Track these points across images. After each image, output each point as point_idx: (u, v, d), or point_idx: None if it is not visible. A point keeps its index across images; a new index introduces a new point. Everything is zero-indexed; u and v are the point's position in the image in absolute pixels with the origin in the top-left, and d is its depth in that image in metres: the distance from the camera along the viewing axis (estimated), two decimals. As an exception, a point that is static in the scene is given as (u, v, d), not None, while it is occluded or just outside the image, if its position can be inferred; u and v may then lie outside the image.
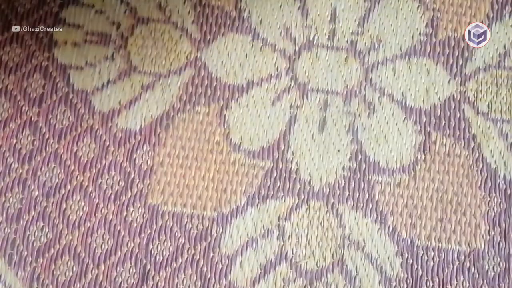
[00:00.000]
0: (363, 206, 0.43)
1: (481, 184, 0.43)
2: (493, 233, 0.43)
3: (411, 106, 0.45)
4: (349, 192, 0.43)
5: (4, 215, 0.41)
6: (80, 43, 0.45)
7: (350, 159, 0.43)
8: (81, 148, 0.43)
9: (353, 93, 0.45)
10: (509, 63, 0.45)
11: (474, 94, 0.44)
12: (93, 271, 0.41)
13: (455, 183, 0.43)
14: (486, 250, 0.42)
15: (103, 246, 0.41)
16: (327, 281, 0.42)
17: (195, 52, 0.45)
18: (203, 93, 0.44)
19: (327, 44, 0.45)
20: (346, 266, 0.42)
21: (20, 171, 0.42)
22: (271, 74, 0.45)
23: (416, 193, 0.43)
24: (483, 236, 0.43)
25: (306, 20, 0.46)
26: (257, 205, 0.43)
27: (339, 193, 0.43)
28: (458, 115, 0.44)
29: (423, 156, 0.44)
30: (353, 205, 0.43)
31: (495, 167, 0.43)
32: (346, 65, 0.45)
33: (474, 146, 0.44)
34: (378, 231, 0.42)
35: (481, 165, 0.43)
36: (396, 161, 0.44)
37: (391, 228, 0.43)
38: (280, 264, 0.42)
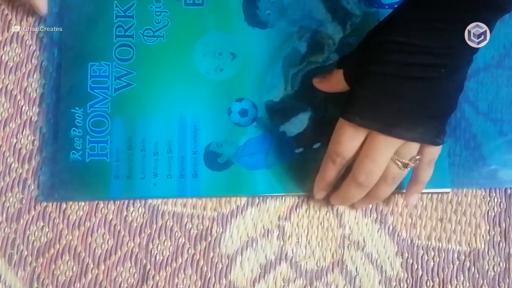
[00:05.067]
0: (363, 206, 0.43)
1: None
2: (493, 233, 0.43)
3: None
4: (349, 192, 0.43)
5: (4, 215, 0.41)
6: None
7: (350, 159, 0.43)
8: (81, 148, 0.43)
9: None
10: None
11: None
12: (93, 271, 0.41)
13: (455, 183, 0.43)
14: (486, 250, 0.42)
15: (103, 246, 0.41)
16: (327, 281, 0.42)
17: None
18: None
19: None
20: (346, 266, 0.42)
21: (20, 171, 0.42)
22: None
23: (416, 193, 0.43)
24: (483, 236, 0.43)
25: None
26: (257, 205, 0.43)
27: (339, 193, 0.43)
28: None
29: (423, 156, 0.43)
30: (353, 205, 0.43)
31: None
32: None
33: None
34: (378, 231, 0.42)
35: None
36: (396, 161, 0.43)
37: (391, 228, 0.43)
38: (280, 264, 0.42)
